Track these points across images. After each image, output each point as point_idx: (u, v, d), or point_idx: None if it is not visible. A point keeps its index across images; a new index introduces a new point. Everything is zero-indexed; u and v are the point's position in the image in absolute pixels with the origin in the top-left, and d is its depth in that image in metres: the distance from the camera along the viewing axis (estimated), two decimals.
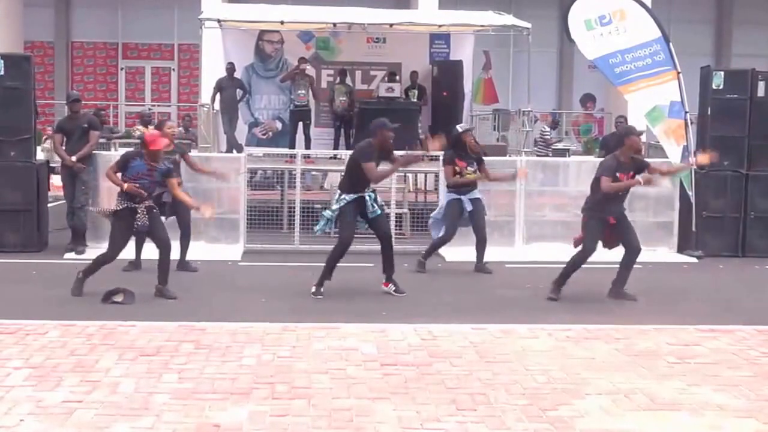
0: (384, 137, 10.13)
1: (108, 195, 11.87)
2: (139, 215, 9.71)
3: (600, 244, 10.15)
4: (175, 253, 10.68)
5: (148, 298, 9.74)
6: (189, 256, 11.64)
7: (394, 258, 10.45)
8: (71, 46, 28.94)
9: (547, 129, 21.35)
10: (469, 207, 11.74)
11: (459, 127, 12.22)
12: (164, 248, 10.00)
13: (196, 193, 11.92)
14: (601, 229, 10.05)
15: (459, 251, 12.66)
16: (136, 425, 5.69)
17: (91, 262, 10.07)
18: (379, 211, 10.21)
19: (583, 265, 10.08)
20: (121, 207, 9.76)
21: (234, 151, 16.93)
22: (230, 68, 17.86)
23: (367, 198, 10.13)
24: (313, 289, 10.15)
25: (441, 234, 11.89)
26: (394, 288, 10.36)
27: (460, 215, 11.83)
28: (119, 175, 9.80)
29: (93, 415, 5.88)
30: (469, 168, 11.73)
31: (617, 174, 9.91)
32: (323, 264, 10.26)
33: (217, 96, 17.79)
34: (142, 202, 9.72)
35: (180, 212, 11.42)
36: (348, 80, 18.46)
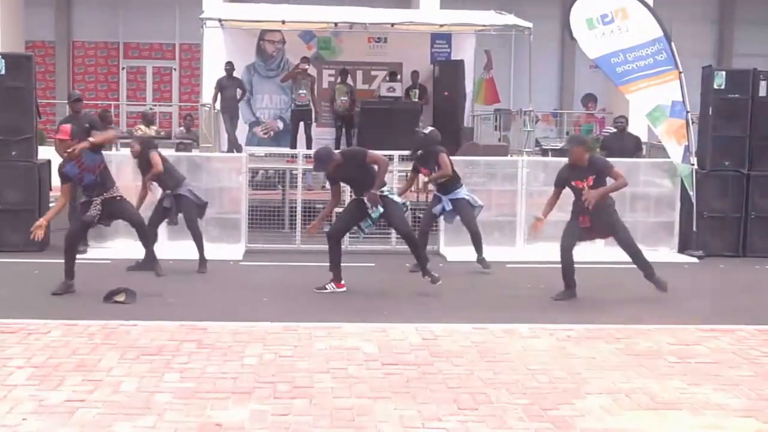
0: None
1: None
2: (93, 206, 9.87)
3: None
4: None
5: (150, 297, 9.75)
6: (191, 256, 11.62)
7: (419, 251, 10.60)
8: (72, 46, 28.95)
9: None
10: (448, 206, 11.76)
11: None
12: (135, 225, 10.16)
13: (197, 192, 11.93)
14: (573, 226, 10.16)
15: (460, 251, 12.67)
16: (138, 424, 5.71)
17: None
18: (377, 212, 10.21)
19: (573, 259, 10.13)
20: (82, 200, 10.12)
21: (234, 150, 16.94)
22: (229, 68, 17.83)
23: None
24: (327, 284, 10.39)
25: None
26: (429, 279, 10.44)
27: (437, 212, 11.92)
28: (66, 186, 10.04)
29: (95, 414, 5.89)
30: (433, 174, 11.76)
31: (572, 182, 10.07)
32: (325, 263, 10.42)
33: (218, 96, 17.78)
34: (100, 195, 9.86)
35: (185, 211, 11.48)
36: (349, 80, 18.47)
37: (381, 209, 10.16)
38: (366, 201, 10.10)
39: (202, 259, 11.65)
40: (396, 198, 10.47)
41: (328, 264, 10.42)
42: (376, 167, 10.14)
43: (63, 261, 10.07)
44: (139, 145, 11.67)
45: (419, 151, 11.89)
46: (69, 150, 9.69)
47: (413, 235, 10.49)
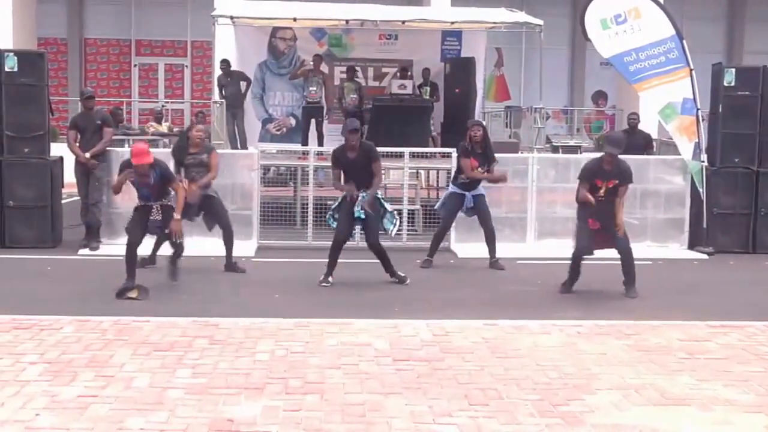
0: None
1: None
2: (153, 212, 9.89)
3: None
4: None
5: (162, 294, 9.80)
6: (203, 252, 11.64)
7: (388, 260, 10.72)
8: (84, 43, 29.07)
9: None
10: (470, 203, 11.79)
11: (469, 122, 12.36)
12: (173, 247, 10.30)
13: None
14: (584, 229, 10.11)
15: (471, 248, 12.68)
16: (150, 420, 5.75)
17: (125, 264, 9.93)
18: (360, 215, 10.32)
19: (583, 262, 10.15)
20: (138, 204, 10.04)
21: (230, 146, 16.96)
22: (225, 66, 17.68)
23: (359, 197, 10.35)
24: (321, 278, 10.49)
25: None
26: (396, 279, 10.66)
27: (457, 209, 11.92)
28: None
29: (108, 409, 5.94)
30: (479, 169, 11.76)
31: (595, 181, 9.97)
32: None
33: (222, 92, 17.76)
34: (158, 200, 9.90)
35: (213, 211, 11.37)
36: (357, 77, 18.46)
37: (363, 215, 10.35)
38: (362, 205, 10.29)
39: (231, 261, 11.54)
40: (386, 205, 10.70)
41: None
42: (375, 175, 10.39)
43: (124, 262, 9.93)
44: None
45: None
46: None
47: (380, 245, 10.60)
